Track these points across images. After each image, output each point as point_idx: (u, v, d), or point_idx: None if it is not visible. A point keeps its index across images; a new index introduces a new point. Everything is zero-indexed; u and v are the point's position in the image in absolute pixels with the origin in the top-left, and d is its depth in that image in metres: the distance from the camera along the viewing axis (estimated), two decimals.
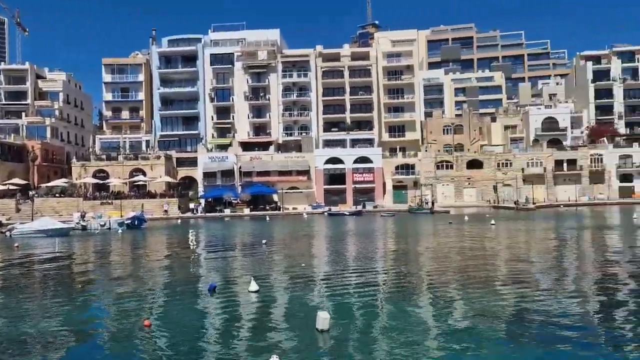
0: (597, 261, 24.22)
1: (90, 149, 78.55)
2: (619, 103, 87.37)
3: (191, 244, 37.86)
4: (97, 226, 49.76)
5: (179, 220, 61.61)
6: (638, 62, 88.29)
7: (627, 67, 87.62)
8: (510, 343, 12.29)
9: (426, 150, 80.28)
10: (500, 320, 14.24)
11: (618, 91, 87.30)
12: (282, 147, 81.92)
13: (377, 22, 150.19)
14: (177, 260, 28.60)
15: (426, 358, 11.52)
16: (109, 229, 49.07)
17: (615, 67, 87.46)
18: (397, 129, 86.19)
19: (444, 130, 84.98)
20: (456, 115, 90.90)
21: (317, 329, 13.17)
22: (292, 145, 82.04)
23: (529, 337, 12.68)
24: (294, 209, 71.65)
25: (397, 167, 78.71)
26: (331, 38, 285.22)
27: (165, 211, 64.93)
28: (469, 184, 77.81)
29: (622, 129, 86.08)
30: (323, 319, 13.11)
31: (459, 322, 14.12)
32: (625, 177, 76.64)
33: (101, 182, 68.59)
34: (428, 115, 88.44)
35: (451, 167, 78.42)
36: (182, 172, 78.07)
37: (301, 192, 74.70)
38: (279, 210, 70.95)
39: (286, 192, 73.09)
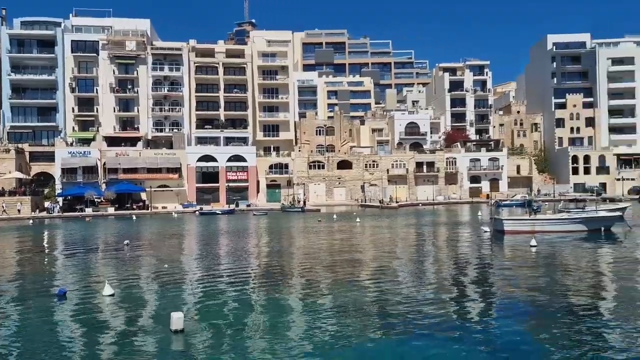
0: (448, 252, 26.80)
1: None
2: (470, 111, 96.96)
3: (43, 246, 34.76)
4: None
5: (31, 221, 56.26)
6: (486, 75, 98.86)
7: (477, 80, 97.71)
8: (374, 336, 12.79)
9: (299, 150, 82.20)
10: (363, 313, 14.86)
11: (470, 101, 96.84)
12: (152, 143, 78.42)
13: (253, 20, 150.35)
14: (24, 265, 26.13)
15: (285, 355, 11.58)
16: None
17: (468, 79, 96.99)
18: (271, 129, 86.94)
19: (316, 131, 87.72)
20: (328, 117, 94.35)
21: (171, 329, 12.96)
22: (163, 142, 78.93)
23: (392, 329, 13.34)
24: (163, 207, 69.07)
25: (271, 166, 79.50)
26: (206, 33, 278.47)
27: (4, 211, 58.93)
28: (339, 183, 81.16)
29: (473, 135, 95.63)
30: (177, 318, 12.93)
31: (323, 318, 14.43)
32: (475, 179, 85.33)
33: None
34: (302, 116, 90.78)
35: (323, 167, 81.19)
36: (37, 167, 71.44)
37: (172, 190, 72.21)
38: (147, 209, 67.87)
39: (155, 190, 70.15)
